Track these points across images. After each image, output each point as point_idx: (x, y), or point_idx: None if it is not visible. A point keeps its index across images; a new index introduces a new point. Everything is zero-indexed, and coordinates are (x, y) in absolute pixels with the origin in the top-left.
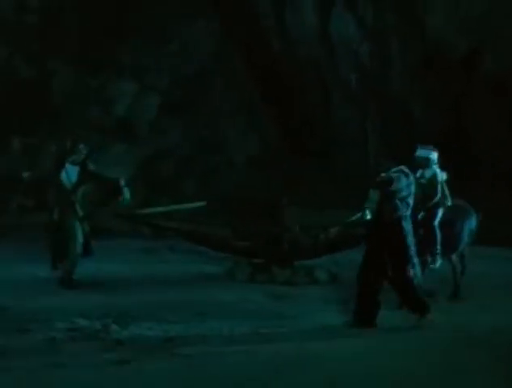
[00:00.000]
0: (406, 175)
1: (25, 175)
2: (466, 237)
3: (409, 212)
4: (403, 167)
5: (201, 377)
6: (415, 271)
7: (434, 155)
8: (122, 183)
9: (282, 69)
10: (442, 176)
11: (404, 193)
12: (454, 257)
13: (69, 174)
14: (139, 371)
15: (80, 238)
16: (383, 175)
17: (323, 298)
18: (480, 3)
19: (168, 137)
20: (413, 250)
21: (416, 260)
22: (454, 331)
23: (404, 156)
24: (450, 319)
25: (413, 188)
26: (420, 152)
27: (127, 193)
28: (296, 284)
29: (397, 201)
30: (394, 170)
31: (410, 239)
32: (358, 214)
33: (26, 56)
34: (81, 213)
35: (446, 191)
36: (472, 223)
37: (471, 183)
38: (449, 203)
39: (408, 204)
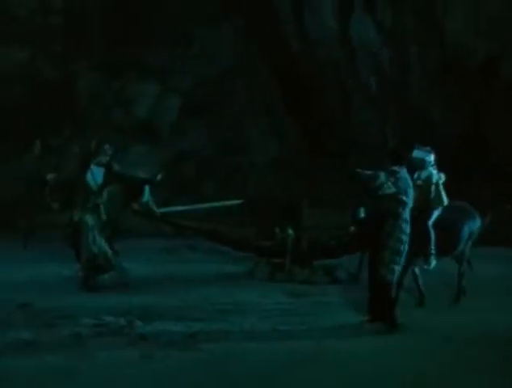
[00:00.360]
0: (390, 173)
1: (49, 176)
2: (466, 238)
3: (404, 210)
4: (395, 167)
5: (222, 372)
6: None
7: (431, 157)
8: (158, 177)
9: (302, 70)
10: (438, 178)
11: (388, 190)
12: (458, 258)
13: (95, 175)
14: (162, 365)
15: (99, 241)
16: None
17: (341, 297)
18: (500, 9)
19: (189, 139)
20: (396, 249)
21: (399, 260)
22: (465, 331)
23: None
24: (461, 319)
25: (403, 185)
26: (416, 153)
27: (146, 193)
28: (315, 283)
29: (383, 199)
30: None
31: (397, 237)
32: None
33: (49, 57)
34: (104, 216)
35: (443, 193)
36: (473, 225)
37: (487, 188)
38: (445, 204)
39: (401, 202)
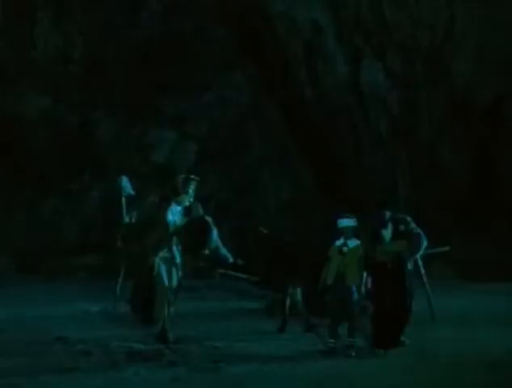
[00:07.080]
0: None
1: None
2: None
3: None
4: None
5: None
6: None
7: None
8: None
9: (314, 115)
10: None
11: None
12: None
13: (174, 215)
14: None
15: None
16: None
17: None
18: (505, 52)
19: (206, 183)
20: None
21: None
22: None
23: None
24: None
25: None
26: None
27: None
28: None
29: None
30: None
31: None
32: None
33: (69, 104)
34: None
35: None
36: None
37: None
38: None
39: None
